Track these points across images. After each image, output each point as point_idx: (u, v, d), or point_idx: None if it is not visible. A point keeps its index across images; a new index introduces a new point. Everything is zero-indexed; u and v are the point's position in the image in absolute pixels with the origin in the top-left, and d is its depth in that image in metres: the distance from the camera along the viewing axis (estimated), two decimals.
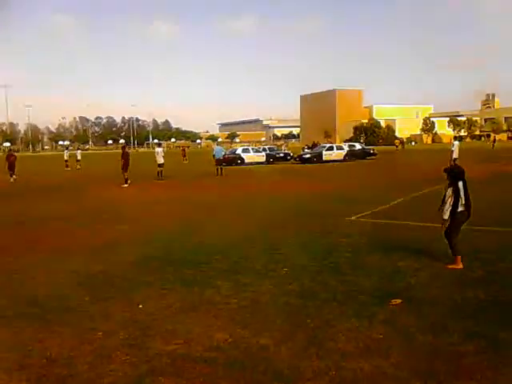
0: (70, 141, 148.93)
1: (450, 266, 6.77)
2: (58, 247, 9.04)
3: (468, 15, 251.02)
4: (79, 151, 42.51)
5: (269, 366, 4.04)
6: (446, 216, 6.81)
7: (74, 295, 6.06)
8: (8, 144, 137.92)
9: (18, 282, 6.78)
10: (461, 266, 6.74)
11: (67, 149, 47.07)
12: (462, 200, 6.73)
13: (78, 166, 39.02)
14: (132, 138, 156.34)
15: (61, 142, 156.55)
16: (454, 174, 6.88)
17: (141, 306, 5.56)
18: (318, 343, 4.44)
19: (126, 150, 23.51)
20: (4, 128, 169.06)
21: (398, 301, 5.49)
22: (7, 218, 13.03)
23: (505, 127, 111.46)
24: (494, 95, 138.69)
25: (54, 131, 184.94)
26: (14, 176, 26.70)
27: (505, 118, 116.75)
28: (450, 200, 6.75)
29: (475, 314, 5.02)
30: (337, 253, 7.82)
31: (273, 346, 4.41)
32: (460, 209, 6.76)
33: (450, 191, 6.78)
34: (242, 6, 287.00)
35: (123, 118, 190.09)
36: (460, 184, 6.76)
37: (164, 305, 5.60)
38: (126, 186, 21.39)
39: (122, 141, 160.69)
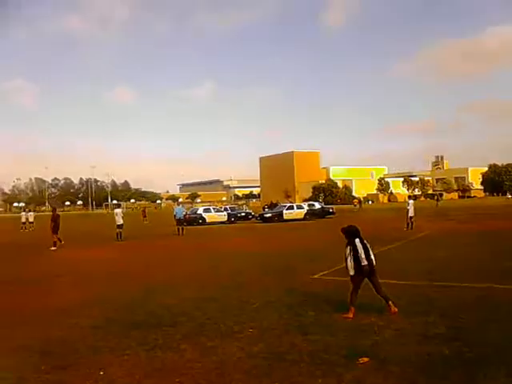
0: (26, 203, 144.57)
1: (344, 315, 7.31)
2: (11, 312, 8.58)
3: (417, 82, 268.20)
4: (31, 213, 44.35)
5: None
6: (352, 272, 7.34)
7: (30, 364, 5.71)
8: None
9: None
10: (351, 316, 7.26)
11: (24, 211, 47.41)
12: (362, 255, 7.25)
13: (32, 228, 39.43)
14: (90, 199, 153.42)
15: (16, 204, 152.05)
16: (351, 232, 7.51)
17: (102, 373, 5.30)
18: None
19: (57, 212, 23.31)
20: None
21: (366, 359, 5.46)
22: None
23: (455, 186, 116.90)
24: (442, 157, 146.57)
25: (8, 192, 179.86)
26: None
27: (455, 178, 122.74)
28: (349, 258, 7.35)
29: (442, 372, 5.03)
30: (302, 312, 7.77)
31: None
32: (364, 263, 7.29)
33: (348, 249, 7.40)
34: (199, 75, 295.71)
35: (81, 179, 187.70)
36: (357, 241, 7.33)
37: (126, 371, 5.35)
38: (54, 248, 20.76)
39: (79, 202, 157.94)
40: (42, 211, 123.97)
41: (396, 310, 7.33)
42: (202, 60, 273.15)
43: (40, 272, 13.95)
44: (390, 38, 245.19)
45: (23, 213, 42.88)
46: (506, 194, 71.77)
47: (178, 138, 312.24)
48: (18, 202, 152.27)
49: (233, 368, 5.36)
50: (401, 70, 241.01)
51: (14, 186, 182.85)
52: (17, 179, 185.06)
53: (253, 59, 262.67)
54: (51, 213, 23.49)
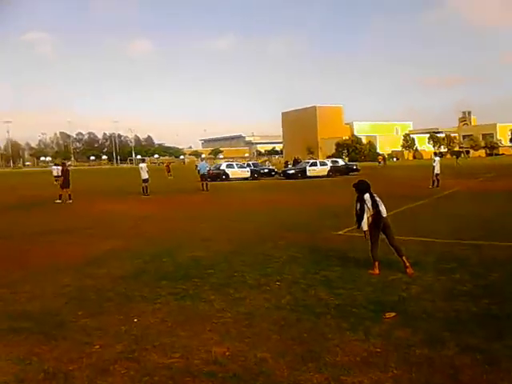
0: (52, 157, 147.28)
1: (370, 271, 7.38)
2: (48, 262, 8.91)
3: (445, 32, 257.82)
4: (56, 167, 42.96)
5: (268, 379, 4.04)
6: (366, 227, 7.40)
7: (68, 309, 5.98)
8: None
9: (10, 296, 6.65)
10: (377, 271, 7.32)
11: (55, 165, 46.97)
12: (370, 211, 7.32)
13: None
14: (114, 154, 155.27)
15: (42, 158, 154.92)
16: (361, 187, 7.52)
17: (136, 320, 5.51)
18: (315, 356, 4.45)
19: (66, 167, 23.48)
20: None
21: (392, 314, 5.53)
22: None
23: (483, 144, 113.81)
24: (470, 112, 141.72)
25: (35, 147, 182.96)
26: None
27: (482, 134, 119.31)
28: (363, 213, 7.35)
29: (469, 327, 5.07)
30: (327, 267, 7.85)
31: (271, 360, 4.40)
32: (370, 213, 7.34)
33: (358, 205, 7.45)
34: (222, 26, 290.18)
35: (104, 134, 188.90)
36: (366, 196, 7.38)
37: (158, 319, 5.56)
38: (59, 201, 21.32)
39: (104, 157, 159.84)
40: (68, 166, 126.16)
41: (412, 271, 7.25)
42: (225, 9, 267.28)
43: (70, 224, 14.34)
44: None
45: (54, 167, 42.47)
46: None
47: (200, 93, 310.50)
48: (45, 156, 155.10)
49: (261, 318, 5.50)
50: (429, 20, 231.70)
51: (40, 141, 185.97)
52: (42, 133, 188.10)
53: (276, 8, 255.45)
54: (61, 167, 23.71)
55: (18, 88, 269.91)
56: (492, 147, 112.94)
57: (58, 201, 21.33)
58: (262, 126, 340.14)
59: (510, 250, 8.79)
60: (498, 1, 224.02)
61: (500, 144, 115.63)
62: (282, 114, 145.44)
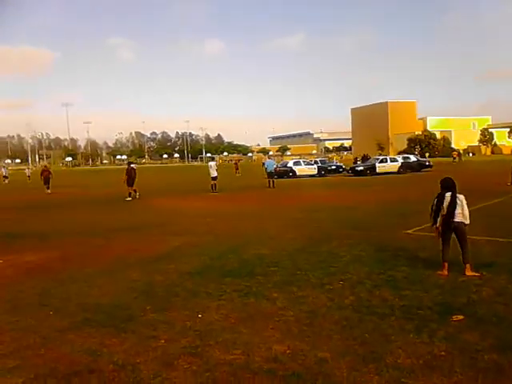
0: (127, 155, 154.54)
1: (439, 272, 7.16)
2: (120, 257, 9.40)
3: None
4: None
5: (328, 379, 4.04)
6: (438, 223, 7.25)
7: (137, 304, 6.28)
8: (70, 159, 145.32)
9: (85, 290, 7.11)
10: (446, 273, 7.10)
11: (130, 163, 48.89)
12: (443, 210, 7.12)
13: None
14: (186, 152, 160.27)
15: (118, 157, 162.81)
16: (444, 184, 7.29)
17: (200, 316, 5.70)
18: (377, 358, 4.39)
19: (131, 166, 24.00)
20: (66, 143, 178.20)
21: (460, 317, 5.33)
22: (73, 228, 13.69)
23: None
24: None
25: (112, 146, 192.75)
26: (48, 191, 29.12)
27: None
28: (439, 210, 7.21)
29: None
30: (394, 267, 7.68)
31: (331, 360, 4.40)
32: (443, 214, 7.16)
33: (435, 201, 7.28)
34: (288, 25, 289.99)
35: (177, 133, 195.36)
36: (447, 194, 7.13)
37: (222, 315, 5.71)
38: (129, 199, 22.16)
39: (176, 155, 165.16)
40: (142, 163, 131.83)
41: (471, 273, 6.97)
42: (293, 7, 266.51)
43: (142, 221, 15.00)
44: None
45: (133, 165, 44.38)
46: None
47: (269, 91, 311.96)
48: (121, 155, 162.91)
49: (323, 318, 5.50)
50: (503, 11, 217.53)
51: (116, 140, 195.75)
52: (119, 133, 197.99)
53: (343, 6, 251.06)
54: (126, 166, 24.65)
55: (97, 92, 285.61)
56: None
57: (128, 198, 22.33)
58: (330, 122, 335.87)
59: None
60: None
61: None
62: (352, 109, 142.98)
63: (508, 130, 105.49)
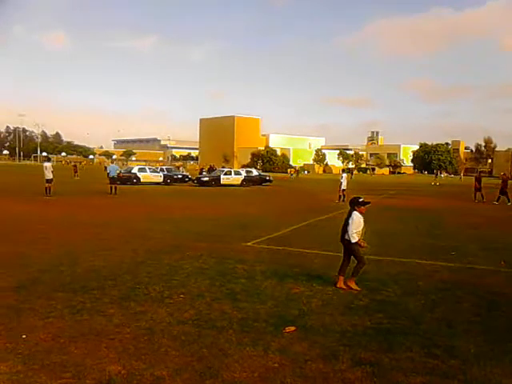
0: None
1: (338, 286, 7.54)
2: None
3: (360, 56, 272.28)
4: None
5: None
6: (357, 238, 7.50)
7: None
8: None
9: None
10: (339, 285, 7.54)
11: None
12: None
13: None
14: (18, 150, 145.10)
15: None
16: (350, 202, 7.87)
17: (24, 337, 5.10)
18: (213, 374, 4.40)
19: None
20: None
21: (292, 328, 5.64)
22: None
23: (387, 162, 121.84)
24: (378, 133, 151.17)
25: None
26: None
27: (387, 153, 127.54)
28: (346, 226, 7.61)
29: (362, 341, 5.30)
30: (233, 279, 7.86)
31: (168, 378, 4.28)
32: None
33: (350, 219, 7.62)
34: (146, 27, 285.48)
35: (8, 127, 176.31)
36: (350, 211, 7.67)
37: (50, 335, 5.19)
38: None
39: (5, 152, 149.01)
40: None
41: (344, 287, 7.44)
42: (148, 10, 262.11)
43: None
44: (336, 11, 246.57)
45: None
46: (437, 174, 69.45)
47: (115, 92, 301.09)
48: None
49: (161, 334, 5.35)
50: (341, 44, 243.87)
51: None
52: None
53: (198, 15, 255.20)
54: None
55: None
56: (395, 166, 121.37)
57: None
58: (178, 130, 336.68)
59: (403, 266, 9.36)
60: (408, 32, 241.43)
61: (402, 163, 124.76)
62: (201, 120, 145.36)
63: (338, 152, 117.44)
